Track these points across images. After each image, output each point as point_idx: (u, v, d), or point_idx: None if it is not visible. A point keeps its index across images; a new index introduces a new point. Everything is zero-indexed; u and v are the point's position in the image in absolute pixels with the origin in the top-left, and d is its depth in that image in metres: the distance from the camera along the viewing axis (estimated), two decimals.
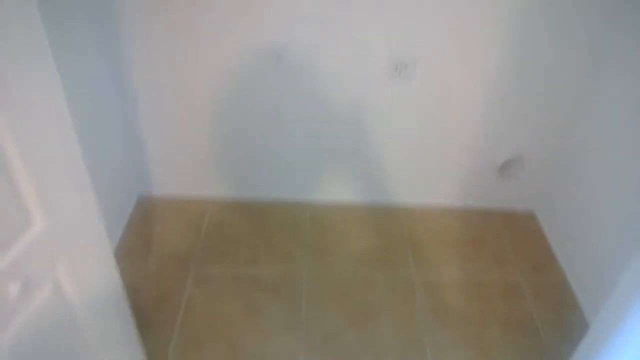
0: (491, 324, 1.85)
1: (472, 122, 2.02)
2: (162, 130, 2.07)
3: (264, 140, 2.10)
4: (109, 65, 1.86)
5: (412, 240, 2.16)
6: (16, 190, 0.87)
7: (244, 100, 1.97)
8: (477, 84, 1.91)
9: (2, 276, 0.87)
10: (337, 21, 1.75)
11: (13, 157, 0.85)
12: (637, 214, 1.61)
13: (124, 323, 1.36)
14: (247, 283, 1.94)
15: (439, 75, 1.88)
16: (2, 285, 0.87)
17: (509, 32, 1.76)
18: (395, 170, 2.20)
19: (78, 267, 1.09)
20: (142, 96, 1.96)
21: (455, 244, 2.15)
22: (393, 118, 2.01)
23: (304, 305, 1.88)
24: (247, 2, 1.71)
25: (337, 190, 2.27)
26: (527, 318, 1.88)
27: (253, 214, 2.24)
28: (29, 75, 0.86)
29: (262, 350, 1.73)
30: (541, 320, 1.87)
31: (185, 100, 1.96)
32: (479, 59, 1.83)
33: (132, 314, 1.39)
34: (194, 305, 1.86)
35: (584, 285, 1.92)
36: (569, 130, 2.01)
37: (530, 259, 2.10)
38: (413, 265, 2.04)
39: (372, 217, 2.25)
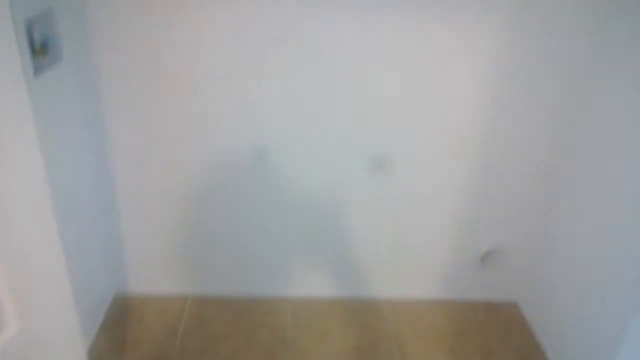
0: None
1: (451, 214, 2.07)
2: (139, 227, 2.06)
3: (243, 236, 2.10)
4: (89, 161, 1.90)
5: (397, 335, 2.11)
6: None
7: (223, 196, 2.00)
8: (454, 178, 1.98)
9: None
10: (318, 119, 1.84)
11: None
12: (624, 302, 1.61)
13: None
14: None
15: (417, 170, 1.96)
16: None
17: (484, 128, 1.87)
18: (376, 264, 2.20)
19: None
20: (120, 192, 1.98)
21: (440, 338, 2.11)
22: (373, 212, 2.06)
23: None
24: (229, 102, 1.80)
25: (319, 285, 2.25)
26: None
27: (233, 311, 2.18)
28: (14, 175, 0.87)
29: None
30: None
31: (162, 197, 1.99)
32: (456, 153, 1.93)
33: None
34: None
35: None
36: (548, 219, 2.07)
37: (516, 351, 2.06)
38: None
39: (355, 311, 2.21)
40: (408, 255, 2.18)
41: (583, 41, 1.72)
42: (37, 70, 1.46)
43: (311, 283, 2.24)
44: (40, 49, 1.50)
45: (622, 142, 1.65)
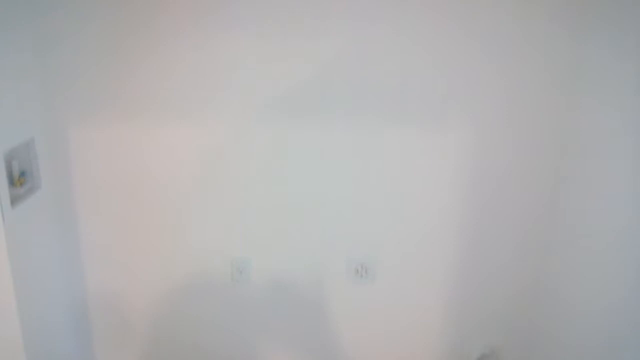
0: None
1: (439, 320, 2.02)
2: (113, 349, 1.96)
3: (222, 350, 2.01)
4: (64, 289, 1.84)
5: None
6: None
7: (201, 314, 1.95)
8: (439, 282, 1.95)
9: None
10: (297, 232, 1.85)
11: None
12: None
13: None
14: None
15: (401, 275, 1.93)
16: None
17: (465, 230, 1.88)
18: None
19: None
20: (95, 319, 1.92)
21: None
22: (357, 320, 1.99)
23: None
24: (207, 218, 1.81)
25: None
26: None
27: None
28: None
29: None
30: None
31: (139, 320, 1.93)
32: (439, 256, 1.91)
33: None
34: None
35: None
36: (541, 315, 2.00)
37: None
38: None
39: None
40: None
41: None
42: (15, 201, 1.45)
43: None
44: (19, 179, 1.51)
45: (606, 233, 1.64)
